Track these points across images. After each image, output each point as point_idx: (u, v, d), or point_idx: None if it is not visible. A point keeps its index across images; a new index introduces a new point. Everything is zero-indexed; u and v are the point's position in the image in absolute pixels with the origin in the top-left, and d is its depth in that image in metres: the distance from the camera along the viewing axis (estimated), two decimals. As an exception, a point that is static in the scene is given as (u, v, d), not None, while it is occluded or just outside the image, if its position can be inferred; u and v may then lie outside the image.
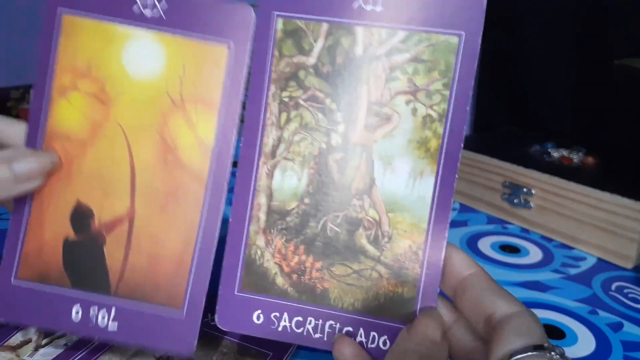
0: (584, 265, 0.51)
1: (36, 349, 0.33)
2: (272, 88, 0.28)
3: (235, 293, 0.28)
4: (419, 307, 0.26)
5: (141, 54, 0.29)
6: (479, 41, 0.26)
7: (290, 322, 0.27)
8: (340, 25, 0.27)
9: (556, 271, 0.50)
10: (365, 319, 0.27)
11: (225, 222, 0.29)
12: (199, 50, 0.28)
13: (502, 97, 0.86)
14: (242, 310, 0.28)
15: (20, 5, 1.25)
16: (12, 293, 0.29)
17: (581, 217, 0.53)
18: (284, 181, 0.28)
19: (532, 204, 0.57)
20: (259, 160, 0.28)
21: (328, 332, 0.27)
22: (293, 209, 0.28)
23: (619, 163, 0.61)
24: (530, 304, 0.44)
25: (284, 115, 0.28)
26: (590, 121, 0.73)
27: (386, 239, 0.27)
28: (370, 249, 0.27)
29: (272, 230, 0.28)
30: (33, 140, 0.29)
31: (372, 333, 0.27)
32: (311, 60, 0.27)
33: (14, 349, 0.33)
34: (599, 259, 0.52)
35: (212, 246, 0.29)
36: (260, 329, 0.28)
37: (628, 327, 0.41)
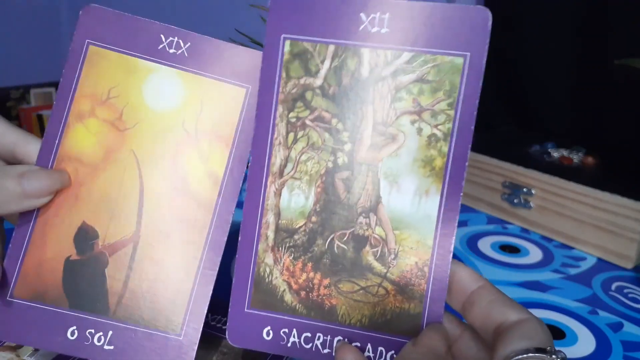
0: (584, 265, 0.51)
1: (36, 349, 0.33)
2: (280, 109, 0.28)
3: (246, 310, 0.28)
4: (425, 322, 0.27)
5: (161, 88, 0.30)
6: (484, 62, 0.26)
7: (299, 337, 0.28)
8: (346, 47, 0.27)
9: (556, 271, 0.50)
10: (372, 334, 0.27)
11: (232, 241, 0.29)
12: (218, 89, 0.30)
13: (502, 97, 0.86)
14: (252, 327, 0.28)
15: (21, 6, 1.25)
16: (5, 311, 0.29)
17: (581, 217, 0.53)
18: (291, 200, 0.28)
19: (532, 204, 0.57)
20: (267, 179, 0.28)
21: (336, 347, 0.28)
22: (301, 227, 0.28)
23: (619, 163, 0.61)
24: (530, 304, 0.44)
25: (291, 135, 0.28)
26: (590, 121, 0.73)
27: (392, 256, 0.27)
28: (377, 265, 0.28)
29: (280, 248, 0.28)
30: (45, 160, 0.29)
31: (380, 348, 0.27)
32: (318, 81, 0.28)
33: (14, 349, 0.33)
34: (599, 259, 0.52)
35: (213, 272, 0.29)
36: (270, 345, 0.28)
37: (628, 327, 0.41)
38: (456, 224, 0.27)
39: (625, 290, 0.47)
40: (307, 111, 0.28)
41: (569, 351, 0.38)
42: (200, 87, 0.30)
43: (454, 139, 0.26)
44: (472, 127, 0.26)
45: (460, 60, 0.26)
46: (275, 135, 0.28)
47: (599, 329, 0.41)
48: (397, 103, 0.27)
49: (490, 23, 0.26)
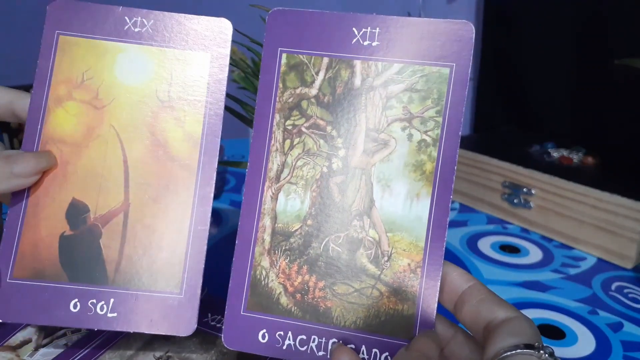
0: (584, 265, 0.51)
1: (36, 348, 0.33)
2: (277, 117, 0.30)
3: (242, 313, 0.29)
4: (418, 323, 0.27)
5: (131, 64, 0.32)
6: (469, 71, 0.28)
7: (294, 340, 0.28)
8: (339, 59, 0.29)
9: (556, 271, 0.50)
10: (367, 336, 0.28)
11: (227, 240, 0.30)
12: (185, 57, 0.32)
13: (502, 97, 0.87)
14: (248, 330, 0.29)
15: (21, 6, 1.25)
16: (7, 293, 0.30)
17: (581, 217, 0.53)
18: (287, 204, 0.29)
19: (532, 204, 0.57)
20: (264, 184, 0.29)
21: (331, 349, 0.28)
22: (296, 230, 0.29)
23: (619, 163, 0.61)
24: (530, 304, 0.44)
25: (287, 142, 0.29)
26: (590, 121, 0.73)
27: (386, 258, 0.28)
28: (370, 267, 0.28)
29: (276, 251, 0.29)
30: (30, 145, 0.31)
31: (374, 350, 0.27)
32: (313, 91, 0.29)
33: (14, 348, 0.33)
34: (599, 259, 0.52)
35: (205, 230, 0.30)
36: (265, 347, 0.28)
37: (628, 327, 0.41)
38: (447, 226, 0.27)
39: (625, 290, 0.47)
40: (302, 119, 0.29)
41: (569, 351, 0.38)
42: (167, 58, 0.32)
43: (442, 144, 0.28)
44: (460, 133, 0.27)
45: (446, 71, 0.28)
46: (272, 142, 0.29)
47: (599, 329, 0.41)
48: (388, 111, 0.28)
49: (473, 36, 0.27)
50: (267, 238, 0.29)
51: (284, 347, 0.28)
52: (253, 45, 0.41)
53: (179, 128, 0.31)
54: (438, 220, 0.27)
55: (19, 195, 0.31)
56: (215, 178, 0.31)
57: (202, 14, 0.32)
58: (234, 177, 0.70)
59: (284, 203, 0.29)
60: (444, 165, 0.28)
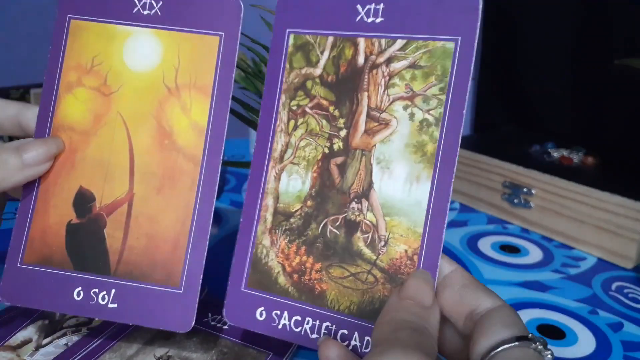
0: (584, 265, 0.51)
1: (37, 348, 0.33)
2: (283, 98, 0.30)
3: (242, 289, 0.29)
4: None
5: (140, 49, 0.31)
6: (475, 46, 0.26)
7: (289, 320, 0.28)
8: (344, 37, 0.29)
9: (556, 271, 0.50)
10: (360, 322, 0.27)
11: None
12: (193, 41, 0.31)
13: (502, 97, 0.87)
14: (247, 306, 0.29)
15: (21, 6, 1.25)
16: (18, 277, 0.31)
17: (581, 217, 0.53)
18: (289, 184, 0.29)
19: (532, 204, 0.57)
20: (268, 164, 0.29)
21: (324, 333, 0.27)
22: (297, 210, 0.29)
23: (619, 163, 0.61)
24: (530, 304, 0.44)
25: (292, 123, 0.29)
26: (590, 121, 0.73)
27: (382, 243, 0.27)
28: (367, 252, 0.27)
29: (277, 231, 0.29)
30: (42, 133, 0.31)
31: (367, 337, 0.27)
32: (317, 71, 0.29)
33: (15, 348, 0.33)
34: (599, 259, 0.52)
35: (207, 224, 0.30)
36: (262, 325, 0.28)
37: (628, 327, 0.41)
38: (447, 212, 0.26)
39: (625, 290, 0.47)
40: (307, 99, 0.29)
41: (569, 351, 0.38)
42: (175, 42, 0.31)
43: (445, 124, 0.26)
44: (464, 112, 0.26)
45: (451, 45, 0.26)
46: (278, 123, 0.29)
47: (599, 329, 0.41)
48: (391, 89, 0.28)
49: (480, 7, 0.26)
50: (269, 217, 0.29)
51: (279, 327, 0.28)
52: (253, 45, 0.41)
53: (184, 116, 0.31)
54: (438, 206, 0.26)
55: (30, 182, 0.31)
56: (220, 169, 0.30)
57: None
58: (234, 177, 0.70)
59: (286, 183, 0.29)
60: (446, 147, 0.26)
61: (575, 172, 0.57)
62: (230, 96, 0.30)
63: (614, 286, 0.47)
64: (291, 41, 0.29)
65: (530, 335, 0.22)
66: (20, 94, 1.09)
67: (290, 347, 0.33)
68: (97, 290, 0.30)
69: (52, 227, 0.31)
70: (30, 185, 0.31)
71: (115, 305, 0.30)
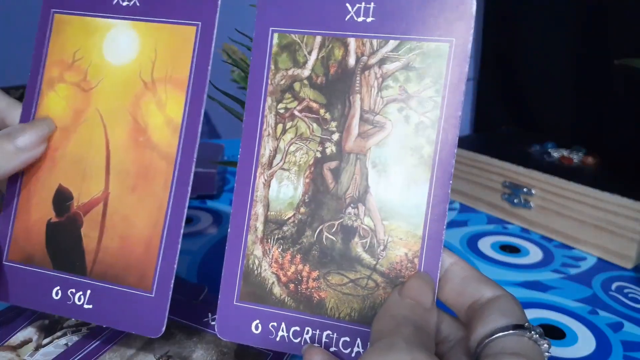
0: (584, 265, 0.51)
1: (36, 348, 0.33)
2: (269, 100, 0.28)
3: (235, 303, 0.28)
4: None
5: (118, 42, 0.31)
6: (469, 47, 0.26)
7: (287, 332, 0.27)
8: (333, 37, 0.28)
9: (556, 271, 0.50)
10: (362, 328, 0.27)
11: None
12: (170, 32, 0.30)
13: (502, 97, 0.87)
14: (241, 320, 0.28)
15: (20, 6, 1.25)
16: (2, 274, 0.31)
17: (581, 217, 0.53)
18: (280, 191, 0.28)
19: (532, 204, 0.57)
20: (256, 170, 0.28)
21: (325, 342, 0.27)
22: (289, 218, 0.28)
23: (619, 163, 0.61)
24: (530, 304, 0.44)
25: (279, 126, 0.28)
26: (590, 121, 0.73)
27: (382, 247, 0.27)
28: (366, 257, 0.27)
29: (269, 240, 0.28)
30: None
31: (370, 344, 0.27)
32: (305, 72, 0.28)
33: (15, 348, 0.33)
34: (599, 259, 0.52)
35: (180, 226, 0.29)
36: (258, 339, 0.28)
37: (628, 327, 0.41)
38: (446, 214, 0.26)
39: (625, 290, 0.47)
40: (295, 102, 0.28)
41: (569, 351, 0.38)
42: (153, 34, 0.30)
43: (441, 127, 0.26)
44: (460, 114, 0.26)
45: (445, 46, 0.26)
46: (265, 127, 0.28)
47: (599, 329, 0.41)
48: (384, 91, 0.27)
49: (474, 8, 0.26)
50: (260, 226, 0.28)
51: (277, 339, 0.27)
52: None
53: (160, 112, 0.30)
54: (437, 208, 0.26)
55: (13, 178, 0.31)
56: (193, 167, 0.29)
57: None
58: (234, 177, 0.70)
59: (276, 190, 0.28)
60: (443, 149, 0.26)
61: (575, 172, 0.57)
62: (206, 91, 0.29)
63: (614, 286, 0.47)
64: (275, 40, 0.28)
65: (526, 324, 0.22)
66: (20, 94, 1.09)
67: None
68: (73, 290, 0.30)
69: (34, 225, 0.31)
70: (13, 182, 0.31)
71: (91, 306, 0.29)
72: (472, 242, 0.55)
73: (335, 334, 0.27)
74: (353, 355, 0.27)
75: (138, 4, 0.30)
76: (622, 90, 0.69)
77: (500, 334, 0.22)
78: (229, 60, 0.46)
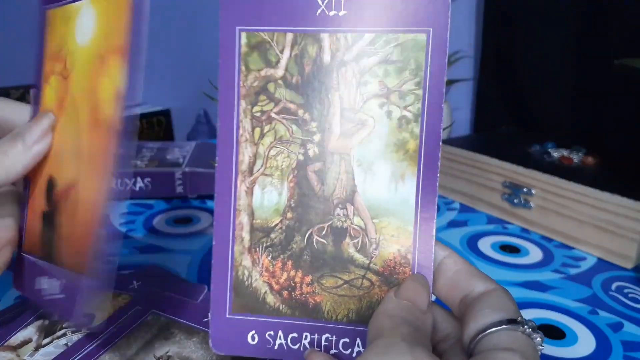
0: (584, 265, 0.51)
1: (36, 348, 0.33)
2: (243, 104, 0.27)
3: (227, 316, 0.28)
4: None
5: (83, 23, 0.30)
6: (447, 36, 0.25)
7: (286, 339, 0.27)
8: (305, 33, 0.26)
9: (556, 271, 0.50)
10: (361, 328, 0.27)
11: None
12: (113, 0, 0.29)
13: (502, 97, 0.87)
14: (235, 333, 0.27)
15: (20, 6, 1.25)
16: (20, 265, 0.33)
17: (581, 217, 0.53)
18: (264, 197, 0.27)
19: (532, 204, 0.57)
20: (236, 178, 0.27)
21: (325, 345, 0.27)
22: (276, 224, 0.27)
23: (619, 163, 0.61)
24: (530, 304, 0.44)
25: (257, 130, 0.27)
26: (590, 121, 0.73)
27: (374, 246, 0.27)
28: (358, 257, 0.27)
29: (257, 249, 0.27)
30: None
31: None
32: (279, 72, 0.27)
33: (15, 348, 0.33)
34: (599, 259, 0.52)
35: (110, 204, 0.27)
36: (256, 349, 0.27)
37: (628, 327, 0.41)
38: (436, 207, 0.26)
39: (625, 290, 0.47)
40: (271, 104, 0.27)
41: (569, 351, 0.38)
42: (105, 6, 0.29)
43: (424, 120, 0.26)
44: (442, 105, 0.25)
45: (423, 37, 0.25)
46: (241, 132, 0.27)
47: (599, 329, 0.41)
48: (363, 87, 0.26)
49: None
50: (246, 236, 0.27)
51: (276, 347, 0.27)
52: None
53: (110, 85, 0.28)
54: (426, 202, 0.26)
55: (25, 175, 0.32)
56: (133, 139, 0.27)
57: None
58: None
59: (260, 197, 0.27)
60: (428, 142, 0.26)
61: (575, 172, 0.57)
62: (144, 56, 0.27)
63: (614, 286, 0.47)
64: (244, 40, 0.27)
65: (519, 318, 0.22)
66: (20, 94, 1.09)
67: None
68: (47, 277, 0.31)
69: (35, 218, 0.32)
70: (25, 178, 0.33)
71: (62, 295, 0.30)
72: (472, 242, 0.55)
73: (334, 337, 0.27)
74: (354, 355, 0.27)
75: None
76: (622, 90, 0.69)
77: (493, 329, 0.22)
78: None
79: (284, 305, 0.27)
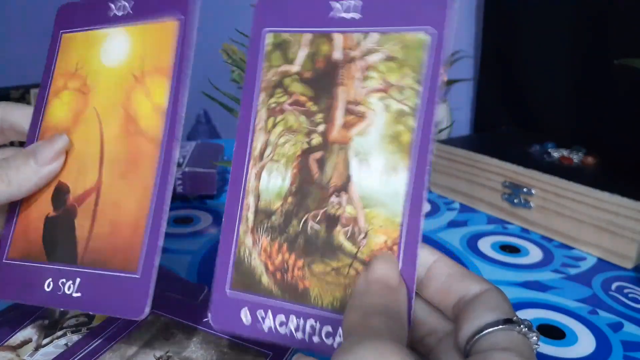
0: (584, 265, 0.51)
1: (36, 348, 0.33)
2: (262, 96, 0.30)
3: (227, 291, 0.29)
4: None
5: (113, 47, 0.33)
6: (450, 36, 0.27)
7: (273, 321, 0.28)
8: (321, 34, 0.29)
9: (556, 271, 0.50)
10: (342, 318, 0.27)
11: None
12: (155, 28, 0.32)
13: (502, 97, 0.87)
14: (233, 309, 0.28)
15: (20, 7, 1.25)
16: (3, 272, 0.32)
17: (581, 217, 0.53)
18: (270, 182, 0.29)
19: (532, 204, 0.57)
20: (248, 163, 0.29)
21: (309, 332, 0.27)
22: (277, 208, 0.29)
23: (619, 163, 0.61)
24: (530, 304, 0.44)
25: (271, 120, 0.29)
26: (590, 121, 0.73)
27: (363, 235, 0.27)
28: (347, 245, 0.27)
29: (258, 230, 0.29)
30: (32, 135, 0.34)
31: None
32: (295, 68, 0.29)
33: (14, 348, 0.33)
34: (599, 259, 0.52)
35: (164, 206, 0.30)
36: (249, 329, 0.28)
37: (628, 327, 0.41)
38: (424, 201, 0.26)
39: (625, 290, 0.47)
40: (285, 96, 0.29)
41: (569, 351, 0.38)
42: (142, 35, 0.32)
43: (420, 114, 0.27)
44: (438, 101, 0.26)
45: (425, 36, 0.27)
46: (257, 121, 0.30)
47: (599, 329, 0.41)
48: (366, 82, 0.28)
49: None
50: (251, 216, 0.29)
51: (266, 330, 0.28)
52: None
53: (147, 101, 0.31)
54: (416, 195, 0.26)
55: None
56: (177, 150, 0.30)
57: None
58: (234, 177, 0.70)
59: (267, 181, 0.29)
60: (421, 136, 0.27)
61: (575, 172, 0.57)
62: (189, 76, 0.31)
63: (613, 286, 0.47)
64: (269, 40, 0.30)
65: (515, 317, 0.22)
66: (20, 94, 1.09)
67: (290, 347, 0.33)
68: (64, 280, 0.30)
69: (33, 222, 0.32)
70: None
71: (79, 294, 0.30)
72: (472, 242, 0.55)
73: (317, 323, 0.27)
74: (335, 346, 0.27)
75: (131, 12, 0.33)
76: (622, 90, 0.69)
77: (489, 330, 0.22)
78: (229, 61, 0.46)
79: (276, 287, 0.28)
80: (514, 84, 0.84)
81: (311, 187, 0.28)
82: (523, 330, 0.22)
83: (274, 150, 0.29)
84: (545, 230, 0.57)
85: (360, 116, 0.28)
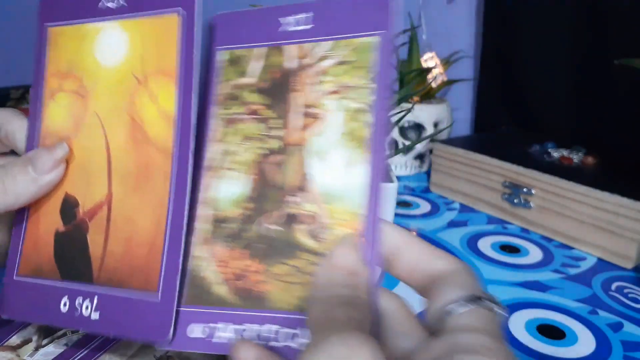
0: (584, 265, 0.51)
1: (36, 348, 0.33)
2: (216, 109, 0.30)
3: (180, 309, 0.28)
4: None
5: (108, 43, 0.31)
6: (394, 38, 0.29)
7: (229, 332, 0.27)
8: (274, 46, 0.30)
9: (556, 271, 0.50)
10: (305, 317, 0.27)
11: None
12: (154, 24, 0.30)
13: (502, 97, 0.87)
14: (182, 325, 0.27)
15: (20, 6, 1.25)
16: (14, 290, 0.30)
17: (581, 217, 0.53)
18: (228, 190, 0.29)
19: (532, 204, 0.57)
20: (202, 173, 0.29)
21: (272, 337, 0.26)
22: (236, 215, 0.29)
23: (619, 163, 0.61)
24: (530, 304, 0.44)
25: (225, 130, 0.30)
26: (590, 121, 0.73)
27: (325, 230, 0.27)
28: (308, 243, 0.27)
29: (215, 240, 0.28)
30: (31, 142, 0.31)
31: None
32: (251, 79, 0.30)
33: (15, 348, 0.33)
34: (599, 259, 0.52)
35: (182, 223, 0.28)
36: (200, 343, 0.27)
37: (628, 327, 0.41)
38: (384, 191, 0.27)
39: (625, 290, 0.47)
40: (242, 107, 0.30)
41: (569, 351, 0.38)
42: (139, 30, 0.30)
43: (375, 111, 0.28)
44: (391, 98, 0.28)
45: (376, 39, 0.29)
46: (212, 133, 0.30)
47: (599, 329, 0.41)
48: (321, 86, 0.29)
49: (393, 3, 0.28)
50: (208, 227, 0.29)
51: (220, 342, 0.27)
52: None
53: (153, 105, 0.29)
54: (376, 186, 0.27)
55: None
56: (191, 159, 0.28)
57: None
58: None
59: (224, 190, 0.29)
60: (378, 131, 0.28)
61: (575, 172, 0.57)
62: (197, 79, 0.29)
63: (614, 286, 0.47)
64: (224, 57, 0.31)
65: (482, 294, 0.22)
66: (20, 94, 1.09)
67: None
68: (80, 299, 0.29)
69: (43, 237, 0.30)
70: None
71: (97, 315, 0.28)
72: (472, 242, 0.55)
73: (280, 327, 0.26)
74: (301, 346, 0.26)
75: (125, 4, 0.30)
76: (622, 90, 0.69)
77: (455, 306, 0.21)
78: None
79: (233, 296, 0.27)
80: (514, 84, 0.84)
81: (271, 190, 0.29)
82: (488, 305, 0.21)
83: (230, 158, 0.29)
84: (545, 230, 0.57)
85: (316, 117, 0.29)
